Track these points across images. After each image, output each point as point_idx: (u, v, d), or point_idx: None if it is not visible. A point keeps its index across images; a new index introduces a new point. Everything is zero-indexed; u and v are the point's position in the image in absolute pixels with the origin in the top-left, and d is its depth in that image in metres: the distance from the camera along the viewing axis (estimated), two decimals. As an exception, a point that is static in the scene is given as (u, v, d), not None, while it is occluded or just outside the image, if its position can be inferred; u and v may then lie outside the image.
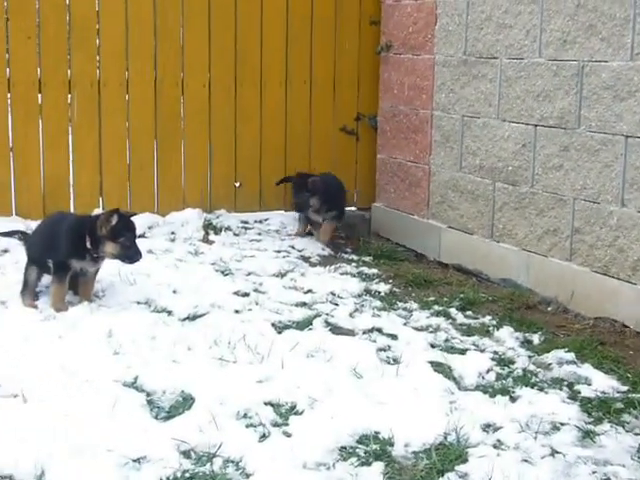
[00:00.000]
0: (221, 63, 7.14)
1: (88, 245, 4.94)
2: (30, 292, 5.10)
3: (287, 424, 3.69)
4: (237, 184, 7.29)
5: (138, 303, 5.16)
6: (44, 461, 3.27)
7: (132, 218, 5.09)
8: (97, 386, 3.94)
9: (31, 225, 6.36)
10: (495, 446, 3.58)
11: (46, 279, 5.20)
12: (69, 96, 6.78)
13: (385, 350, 4.60)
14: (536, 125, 5.67)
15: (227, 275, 5.84)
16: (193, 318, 4.96)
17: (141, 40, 6.90)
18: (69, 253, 4.98)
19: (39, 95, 6.71)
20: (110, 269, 5.33)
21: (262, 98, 7.30)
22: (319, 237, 6.88)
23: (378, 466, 3.38)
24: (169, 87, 7.02)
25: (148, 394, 3.93)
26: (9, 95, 6.65)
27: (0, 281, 5.34)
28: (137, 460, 3.36)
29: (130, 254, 4.97)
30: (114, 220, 4.90)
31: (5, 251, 6.01)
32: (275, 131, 7.36)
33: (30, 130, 6.72)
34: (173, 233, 6.78)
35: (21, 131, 6.69)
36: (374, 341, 4.73)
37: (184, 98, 7.11)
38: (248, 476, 3.30)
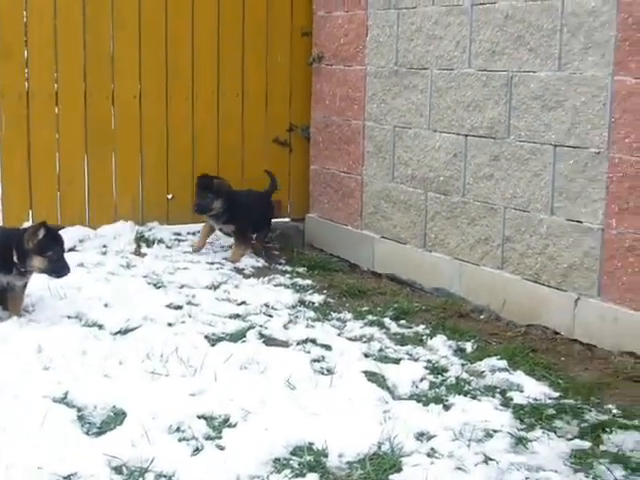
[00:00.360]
0: (152, 74, 7.09)
1: (15, 259, 4.85)
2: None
3: (220, 437, 3.65)
4: (169, 196, 7.23)
5: (69, 317, 5.09)
6: (-29, 480, 3.20)
7: (60, 231, 5.01)
8: (27, 402, 3.85)
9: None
10: (429, 454, 3.58)
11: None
12: (-3, 109, 6.69)
13: (319, 361, 4.59)
14: (467, 135, 5.73)
15: (160, 288, 5.79)
16: (125, 332, 4.90)
17: (70, 51, 6.81)
18: (-1, 267, 4.89)
19: (-34, 108, 6.60)
20: (40, 283, 5.24)
21: (194, 110, 7.27)
22: (229, 257, 6.73)
23: (312, 477, 3.36)
24: (99, 99, 6.95)
25: (79, 409, 3.86)
26: None
27: None
28: (67, 477, 3.29)
29: (58, 268, 4.89)
30: (41, 234, 4.82)
31: None
32: (207, 143, 7.33)
33: (-43, 143, 6.60)
34: (105, 246, 6.70)
35: (-53, 144, 6.58)
36: (308, 352, 4.71)
37: (115, 109, 7.04)
38: (181, 491, 3.26)
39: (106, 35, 6.93)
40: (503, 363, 4.59)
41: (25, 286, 5.03)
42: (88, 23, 6.83)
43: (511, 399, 4.19)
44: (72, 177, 6.93)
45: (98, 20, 6.87)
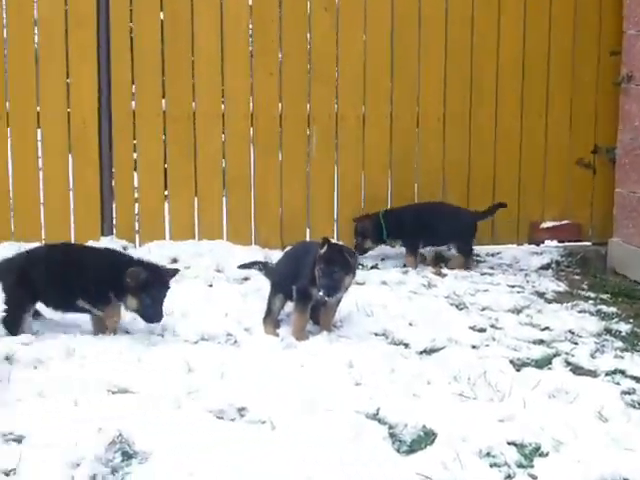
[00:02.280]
0: (455, 98, 7.18)
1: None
2: (272, 320, 5.25)
3: (532, 466, 3.61)
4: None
5: (375, 334, 5.22)
6: (294, 489, 3.37)
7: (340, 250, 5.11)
8: (339, 416, 3.99)
9: (269, 254, 6.59)
10: None
11: (288, 308, 5.34)
12: (307, 130, 7.00)
13: (630, 393, 4.42)
14: None
15: (462, 309, 5.81)
16: (430, 352, 4.96)
17: (377, 76, 7.05)
18: (312, 282, 5.08)
19: (279, 129, 6.95)
20: (347, 300, 5.39)
21: (497, 129, 7.28)
22: None
23: (629, 515, 3.26)
24: (404, 121, 7.12)
25: (390, 427, 3.95)
26: (252, 129, 6.92)
27: (243, 308, 5.51)
28: (384, 495, 3.40)
29: (324, 283, 4.99)
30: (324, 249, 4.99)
31: (245, 279, 6.21)
32: (510, 163, 7.31)
33: (270, 162, 6.98)
34: (405, 265, 6.83)
35: (261, 163, 6.97)
36: (618, 383, 4.55)
37: (418, 130, 7.18)
38: (496, 517, 3.26)
39: (412, 60, 7.09)
40: None
41: (339, 302, 5.21)
42: (396, 50, 7.04)
43: None
44: (376, 197, 7.15)
45: (405, 46, 7.05)
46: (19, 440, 3.79)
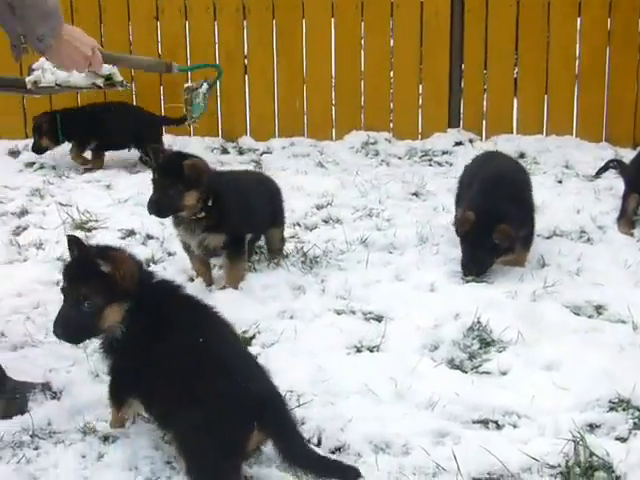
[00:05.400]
0: None
1: None
2: (627, 219, 5.03)
3: None
4: None
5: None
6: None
7: None
8: None
9: (620, 152, 6.34)
10: None
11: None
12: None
13: None
14: None
15: None
16: None
17: None
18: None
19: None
20: None
21: None
22: None
23: None
24: None
25: None
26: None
27: (596, 206, 5.33)
28: None
29: None
30: None
31: (596, 177, 5.98)
32: None
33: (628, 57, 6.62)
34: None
35: (618, 57, 6.62)
36: None
37: None
38: None
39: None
40: None
41: None
42: None
43: None
44: None
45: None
46: (379, 319, 3.95)
